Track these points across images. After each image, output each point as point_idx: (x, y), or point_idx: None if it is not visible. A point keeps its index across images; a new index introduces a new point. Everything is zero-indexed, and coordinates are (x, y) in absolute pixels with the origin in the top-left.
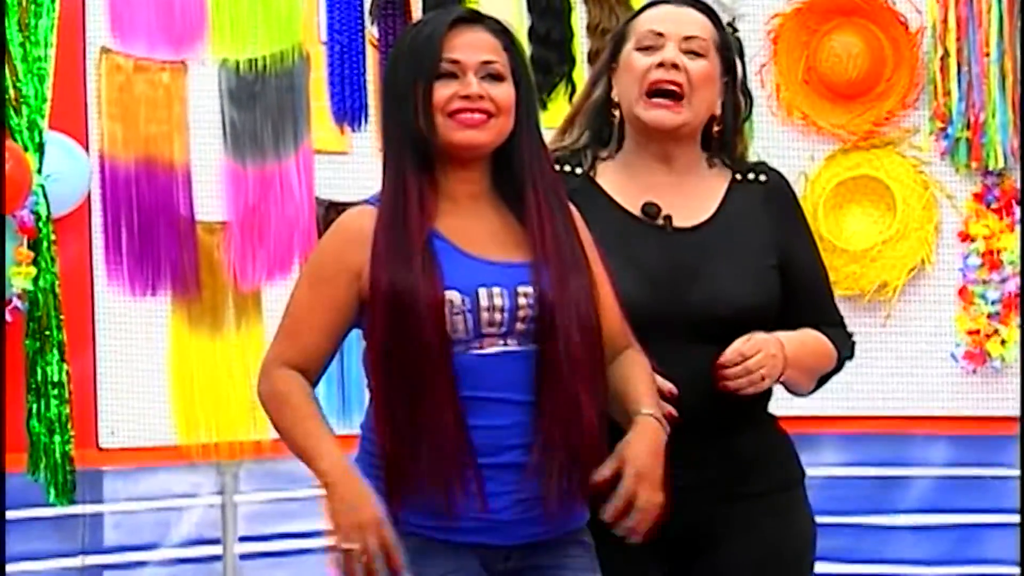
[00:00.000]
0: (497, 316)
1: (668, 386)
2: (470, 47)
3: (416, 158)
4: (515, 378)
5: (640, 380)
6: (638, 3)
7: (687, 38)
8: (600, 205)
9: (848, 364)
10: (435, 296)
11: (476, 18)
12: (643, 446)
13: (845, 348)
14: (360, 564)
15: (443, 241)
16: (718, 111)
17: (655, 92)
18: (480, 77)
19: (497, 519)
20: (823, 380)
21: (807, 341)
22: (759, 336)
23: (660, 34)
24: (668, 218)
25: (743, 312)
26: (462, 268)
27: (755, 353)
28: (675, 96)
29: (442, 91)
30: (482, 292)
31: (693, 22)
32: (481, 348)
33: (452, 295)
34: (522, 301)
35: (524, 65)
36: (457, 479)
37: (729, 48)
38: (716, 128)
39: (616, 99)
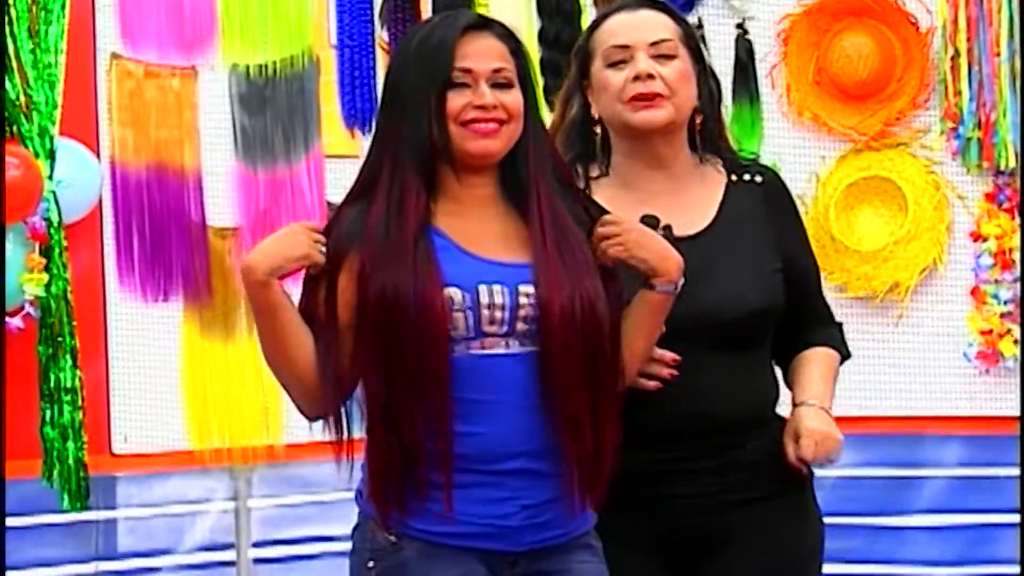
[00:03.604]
0: (498, 314)
1: (669, 355)
2: (481, 55)
3: (417, 163)
4: (517, 381)
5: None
6: None
7: (653, 43)
8: None
9: (861, 364)
10: (434, 293)
11: (485, 24)
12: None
13: (843, 349)
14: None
15: (444, 239)
16: (696, 102)
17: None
18: (491, 85)
19: (503, 524)
20: None
21: (827, 375)
22: (810, 434)
23: (626, 46)
24: (668, 228)
25: (750, 316)
26: (462, 265)
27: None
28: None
29: (456, 100)
30: (482, 289)
31: (655, 25)
32: (483, 348)
33: (452, 292)
34: (523, 300)
35: (530, 69)
36: (435, 483)
37: (694, 38)
38: (699, 120)
39: (596, 116)
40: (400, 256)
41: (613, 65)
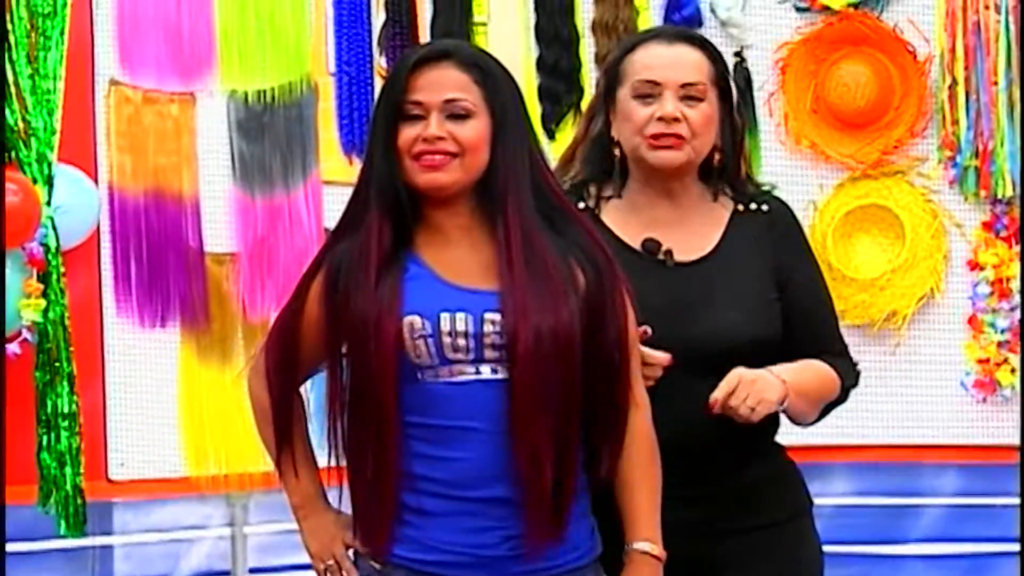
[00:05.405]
0: (461, 342)
1: (661, 358)
2: (432, 87)
3: (381, 197)
4: (487, 407)
5: (642, 495)
6: None
7: (684, 85)
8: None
9: (858, 393)
10: (388, 321)
11: (443, 55)
12: None
13: (849, 378)
14: None
15: (421, 268)
16: (718, 141)
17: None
18: (445, 116)
19: (486, 555)
20: (827, 410)
21: (806, 370)
22: (737, 371)
23: (656, 83)
24: (669, 253)
25: (744, 345)
26: (430, 293)
27: (733, 388)
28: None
29: (407, 134)
30: (444, 316)
31: (689, 65)
32: (451, 376)
33: (413, 319)
34: (488, 328)
35: (499, 96)
36: (392, 511)
37: (725, 77)
38: (717, 157)
39: (615, 138)
40: (366, 288)
41: (640, 97)
